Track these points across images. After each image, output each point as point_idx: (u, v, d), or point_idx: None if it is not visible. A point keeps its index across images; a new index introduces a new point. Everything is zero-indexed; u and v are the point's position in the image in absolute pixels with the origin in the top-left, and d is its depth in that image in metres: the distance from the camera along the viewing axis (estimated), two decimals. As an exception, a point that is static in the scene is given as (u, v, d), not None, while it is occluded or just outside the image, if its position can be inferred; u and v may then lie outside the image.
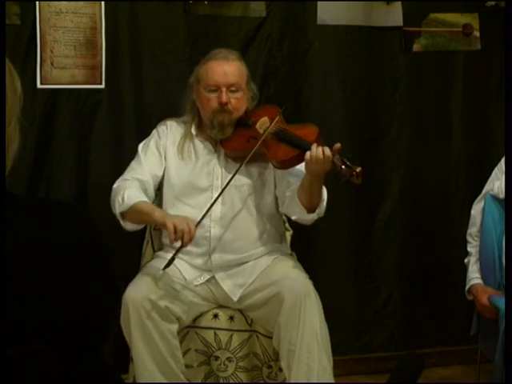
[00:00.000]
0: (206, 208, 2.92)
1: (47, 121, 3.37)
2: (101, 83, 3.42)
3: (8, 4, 3.21)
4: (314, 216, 2.94)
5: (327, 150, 2.78)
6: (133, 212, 2.87)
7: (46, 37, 3.32)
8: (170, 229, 2.73)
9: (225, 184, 2.95)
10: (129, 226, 2.93)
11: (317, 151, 2.78)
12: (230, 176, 2.96)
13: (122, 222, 2.91)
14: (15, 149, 1.33)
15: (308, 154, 2.79)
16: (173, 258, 2.81)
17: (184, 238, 2.74)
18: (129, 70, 3.47)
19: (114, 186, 2.98)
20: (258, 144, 2.93)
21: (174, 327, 2.86)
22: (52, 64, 3.34)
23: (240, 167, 2.94)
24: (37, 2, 3.30)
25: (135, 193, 2.92)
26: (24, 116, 1.35)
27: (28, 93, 3.22)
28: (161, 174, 3.05)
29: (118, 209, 2.89)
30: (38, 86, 3.33)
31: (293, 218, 3.02)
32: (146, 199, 2.92)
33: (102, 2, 3.39)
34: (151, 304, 2.80)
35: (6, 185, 1.29)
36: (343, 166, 2.78)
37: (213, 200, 2.94)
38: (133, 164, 3.06)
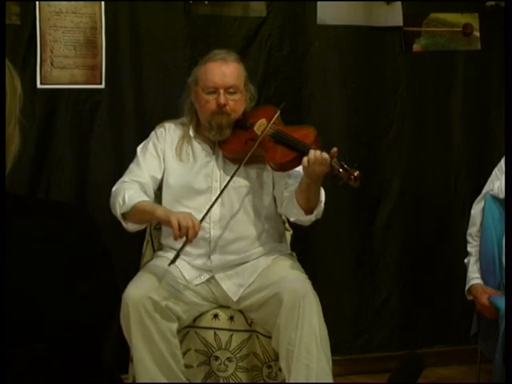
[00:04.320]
0: (205, 209, 2.92)
1: (47, 121, 3.37)
2: (101, 83, 3.42)
3: (8, 4, 3.21)
4: (311, 217, 2.94)
5: (325, 154, 2.78)
6: (135, 212, 2.87)
7: (46, 37, 3.32)
8: (174, 225, 2.72)
9: (223, 186, 2.95)
10: (131, 226, 2.92)
11: (315, 154, 2.78)
12: (229, 178, 2.97)
13: (123, 224, 2.91)
14: (15, 149, 1.33)
15: (305, 158, 2.79)
16: (178, 254, 2.81)
17: (189, 233, 2.73)
18: (129, 70, 3.47)
19: (113, 188, 2.97)
20: (254, 146, 2.93)
21: (174, 326, 2.86)
22: (52, 64, 3.33)
23: (238, 169, 2.94)
24: (37, 2, 3.29)
25: (135, 193, 2.91)
26: (24, 116, 1.35)
27: (28, 93, 3.22)
28: (159, 176, 3.05)
29: (119, 210, 2.89)
30: (38, 85, 3.32)
31: (291, 219, 3.05)
32: (146, 198, 2.92)
33: (102, 2, 3.39)
34: (151, 303, 2.80)
35: (5, 185, 1.29)
36: (341, 170, 2.79)
37: (212, 201, 2.94)
38: (131, 166, 3.06)
